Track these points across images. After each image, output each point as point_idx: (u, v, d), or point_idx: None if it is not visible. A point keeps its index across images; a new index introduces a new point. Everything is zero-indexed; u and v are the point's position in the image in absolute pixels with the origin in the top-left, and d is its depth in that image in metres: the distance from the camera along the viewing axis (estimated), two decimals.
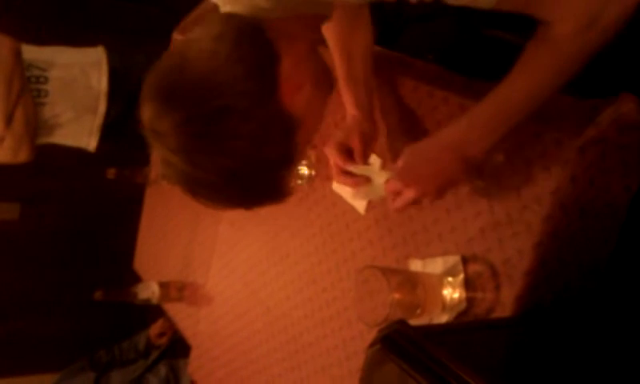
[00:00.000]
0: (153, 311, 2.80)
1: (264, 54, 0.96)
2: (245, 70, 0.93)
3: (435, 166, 1.12)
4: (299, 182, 1.71)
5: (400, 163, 1.16)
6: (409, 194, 1.13)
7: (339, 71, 1.36)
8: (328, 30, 1.33)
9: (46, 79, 2.23)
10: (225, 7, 1.00)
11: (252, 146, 0.94)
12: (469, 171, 1.12)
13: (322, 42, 1.31)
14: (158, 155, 0.97)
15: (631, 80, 1.21)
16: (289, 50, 0.99)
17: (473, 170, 1.13)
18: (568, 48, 0.94)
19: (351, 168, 1.28)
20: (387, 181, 1.20)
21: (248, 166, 0.96)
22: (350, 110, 1.35)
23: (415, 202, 1.15)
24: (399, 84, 1.45)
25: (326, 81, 1.11)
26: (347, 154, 1.29)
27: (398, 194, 1.16)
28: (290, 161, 1.02)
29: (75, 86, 2.29)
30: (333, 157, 1.30)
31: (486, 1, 0.88)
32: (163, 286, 2.30)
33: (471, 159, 1.09)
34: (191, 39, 0.98)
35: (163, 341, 3.08)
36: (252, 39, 0.96)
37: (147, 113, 0.95)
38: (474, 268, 1.23)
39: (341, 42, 1.34)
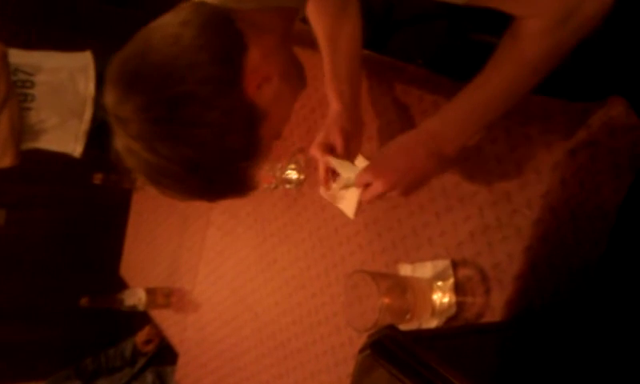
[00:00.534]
0: (139, 318, 2.78)
1: (230, 43, 0.95)
2: (208, 56, 0.91)
3: (406, 161, 1.10)
4: (288, 186, 1.70)
5: (374, 159, 1.16)
6: (377, 186, 1.11)
7: (324, 64, 1.34)
8: (315, 21, 1.32)
9: (33, 84, 2.22)
10: None
11: (214, 136, 0.92)
12: (440, 167, 1.11)
13: (297, 35, 1.29)
14: (120, 143, 0.95)
15: (620, 83, 1.21)
16: (258, 41, 0.97)
17: (445, 166, 1.13)
18: (542, 44, 0.93)
19: (329, 158, 1.24)
20: (359, 173, 1.17)
21: (210, 155, 0.94)
22: (333, 104, 1.32)
23: (383, 195, 1.12)
24: (389, 88, 1.45)
25: (296, 75, 1.10)
26: (330, 151, 1.27)
27: (367, 186, 1.14)
28: (253, 153, 1.00)
29: (62, 91, 2.28)
30: (318, 156, 1.27)
31: None
32: (150, 292, 2.28)
33: (444, 156, 1.08)
34: (156, 26, 0.96)
35: (150, 348, 3.05)
36: (218, 27, 0.95)
37: (109, 98, 0.93)
38: (463, 272, 1.22)
39: (327, 34, 1.33)
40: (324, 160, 1.25)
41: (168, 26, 0.94)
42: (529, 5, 0.91)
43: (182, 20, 0.94)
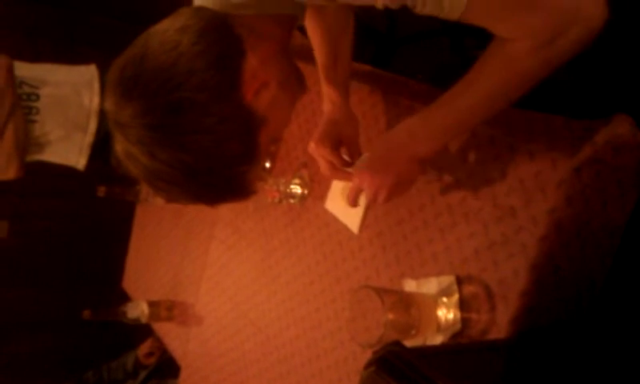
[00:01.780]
0: (142, 331, 2.77)
1: (228, 49, 0.95)
2: (206, 62, 0.92)
3: (387, 166, 1.13)
4: (292, 201, 1.70)
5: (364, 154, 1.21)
6: (366, 189, 1.16)
7: (322, 67, 1.35)
8: (313, 30, 1.33)
9: (38, 97, 2.23)
10: (197, 1, 0.99)
11: (212, 142, 0.93)
12: (420, 169, 1.13)
13: (298, 42, 1.30)
14: (120, 147, 0.96)
15: (624, 100, 1.21)
16: (256, 47, 0.98)
17: (423, 168, 1.15)
18: (524, 64, 0.92)
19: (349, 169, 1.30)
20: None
21: (208, 161, 0.95)
22: (334, 101, 1.34)
23: (372, 198, 1.16)
24: (392, 104, 1.45)
25: (295, 82, 1.10)
26: (338, 148, 1.31)
27: (358, 189, 1.19)
28: (252, 158, 1.01)
29: (66, 105, 2.29)
30: (324, 155, 1.30)
31: (452, 12, 0.87)
32: (152, 305, 2.28)
33: (421, 158, 1.10)
34: (156, 30, 0.97)
35: (152, 361, 3.04)
36: (217, 33, 0.95)
37: (109, 104, 0.94)
38: (468, 289, 1.22)
39: (328, 40, 1.33)
40: (337, 161, 1.30)
41: (167, 31, 0.95)
42: (516, 29, 0.91)
43: (180, 26, 0.95)
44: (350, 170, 1.30)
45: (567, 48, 0.89)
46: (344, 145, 1.33)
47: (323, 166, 1.32)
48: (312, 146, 1.31)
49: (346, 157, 1.32)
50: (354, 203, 1.22)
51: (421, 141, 1.08)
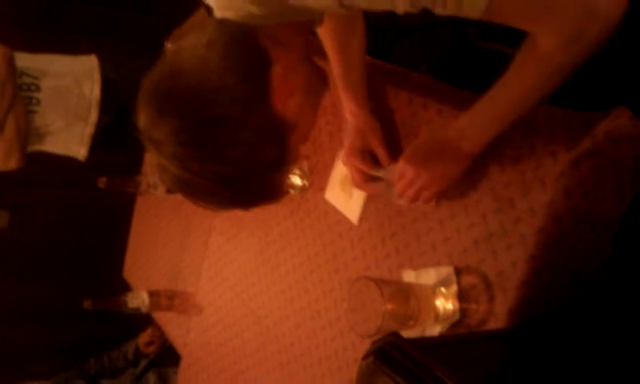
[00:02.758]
0: (142, 320, 2.78)
1: (255, 61, 0.97)
2: (236, 77, 0.94)
3: (440, 161, 1.18)
4: (292, 191, 1.71)
5: (408, 151, 1.23)
6: (416, 180, 1.21)
7: (338, 77, 1.37)
8: (325, 36, 1.34)
9: (38, 87, 2.22)
10: (218, 12, 1.00)
11: (246, 153, 0.95)
12: (466, 164, 1.17)
13: (316, 47, 1.32)
14: (154, 161, 0.98)
15: (624, 93, 1.21)
16: (281, 55, 0.99)
17: (469, 165, 1.18)
18: (553, 59, 0.96)
19: (374, 172, 1.36)
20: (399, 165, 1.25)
21: (242, 170, 0.97)
22: (354, 112, 1.38)
23: (420, 192, 1.22)
24: (394, 96, 1.45)
25: (319, 83, 1.12)
26: (371, 159, 1.37)
27: (405, 181, 1.23)
28: (284, 163, 1.03)
29: (67, 95, 2.28)
30: (357, 165, 1.37)
31: (473, 12, 0.88)
32: (153, 294, 2.28)
33: (470, 154, 1.15)
34: (184, 47, 0.98)
35: (152, 349, 3.05)
36: (243, 46, 0.96)
37: (142, 120, 0.95)
38: (467, 279, 1.22)
39: (339, 47, 1.35)
40: (369, 171, 1.37)
41: (195, 47, 0.96)
42: (542, 25, 0.93)
43: (207, 40, 0.96)
44: (379, 173, 1.36)
45: (595, 38, 0.91)
46: (373, 152, 1.38)
47: (357, 178, 1.38)
48: (344, 160, 1.37)
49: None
50: (411, 200, 1.26)
51: (467, 136, 1.13)
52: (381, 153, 1.37)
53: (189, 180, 0.95)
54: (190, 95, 0.93)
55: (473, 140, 1.13)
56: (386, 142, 1.39)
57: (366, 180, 1.39)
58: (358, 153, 1.37)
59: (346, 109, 1.39)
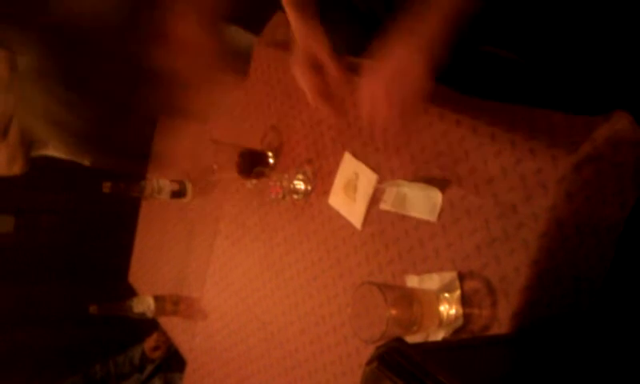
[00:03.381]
0: (148, 325, 2.79)
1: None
2: None
3: (393, 64, 1.12)
4: (295, 196, 1.71)
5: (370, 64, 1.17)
6: (377, 91, 1.13)
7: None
8: None
9: None
10: None
11: None
12: (430, 73, 1.11)
13: None
14: None
15: (624, 97, 1.21)
16: None
17: (431, 75, 1.12)
18: None
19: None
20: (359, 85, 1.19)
21: None
22: (303, 32, 1.33)
23: (382, 104, 1.14)
24: None
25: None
26: (319, 70, 1.30)
27: (371, 98, 1.16)
28: None
29: None
30: (306, 76, 1.30)
31: None
32: (158, 299, 2.29)
33: (433, 57, 1.09)
34: None
35: (158, 354, 3.07)
36: None
37: None
38: (470, 284, 1.23)
39: None
40: (320, 83, 1.30)
41: None
42: None
43: None
44: None
45: None
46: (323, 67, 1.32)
47: (312, 94, 1.32)
48: (298, 77, 1.31)
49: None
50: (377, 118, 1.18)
51: (417, 31, 1.09)
52: (330, 66, 1.31)
53: None
54: None
55: (422, 34, 1.09)
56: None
57: (321, 95, 1.33)
58: (311, 68, 1.31)
59: (295, 30, 1.35)
